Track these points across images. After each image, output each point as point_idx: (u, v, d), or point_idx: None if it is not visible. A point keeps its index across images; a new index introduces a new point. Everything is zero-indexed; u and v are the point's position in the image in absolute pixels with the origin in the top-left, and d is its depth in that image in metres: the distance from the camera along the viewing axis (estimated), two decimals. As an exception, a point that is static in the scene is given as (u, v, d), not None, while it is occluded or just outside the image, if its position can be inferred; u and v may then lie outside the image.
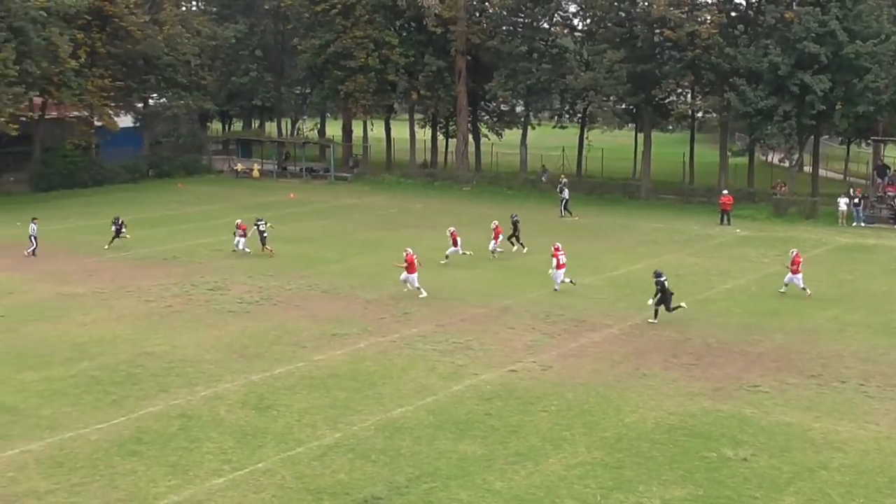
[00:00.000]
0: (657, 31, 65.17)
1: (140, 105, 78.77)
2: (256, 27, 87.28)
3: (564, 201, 59.64)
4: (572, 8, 73.99)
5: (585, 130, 76.70)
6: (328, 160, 79.68)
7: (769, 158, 79.18)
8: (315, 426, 24.36)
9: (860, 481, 21.21)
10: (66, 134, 71.21)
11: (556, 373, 28.71)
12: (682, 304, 34.06)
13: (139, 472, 21.31)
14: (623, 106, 69.97)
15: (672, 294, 33.73)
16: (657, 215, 60.19)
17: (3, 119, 61.20)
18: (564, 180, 63.64)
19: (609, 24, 66.76)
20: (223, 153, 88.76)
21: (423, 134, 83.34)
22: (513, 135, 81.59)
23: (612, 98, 67.85)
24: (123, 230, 47.50)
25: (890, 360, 29.98)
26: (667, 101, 70.18)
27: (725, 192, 58.94)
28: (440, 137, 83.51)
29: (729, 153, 69.28)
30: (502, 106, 78.87)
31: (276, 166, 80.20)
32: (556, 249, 38.92)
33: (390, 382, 27.62)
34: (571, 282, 38.61)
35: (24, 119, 66.46)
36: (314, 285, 39.36)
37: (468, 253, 43.54)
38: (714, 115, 68.72)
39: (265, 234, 45.57)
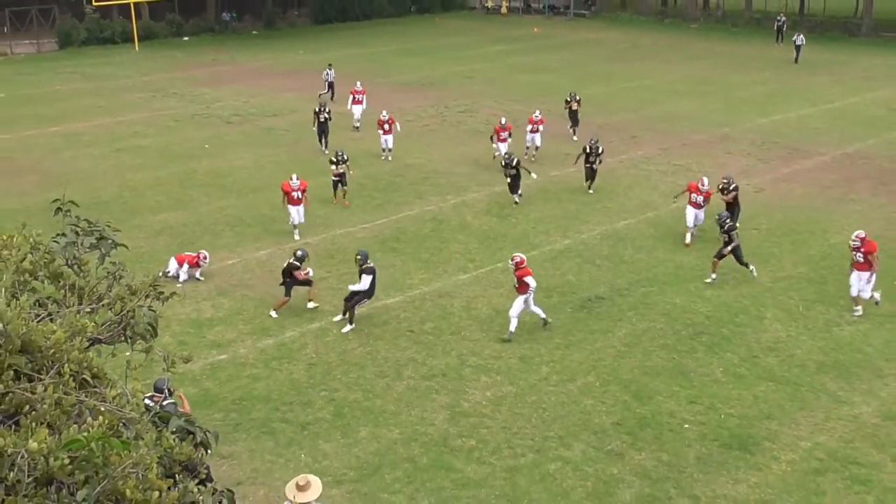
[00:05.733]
0: None
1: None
2: None
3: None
4: None
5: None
6: (569, -1, 77.40)
7: None
8: (548, 233, 24.43)
9: None
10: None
11: (768, 195, 27.60)
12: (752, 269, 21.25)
13: (397, 266, 22.01)
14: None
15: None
16: (877, 52, 55.81)
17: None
18: (783, 18, 59.69)
19: None
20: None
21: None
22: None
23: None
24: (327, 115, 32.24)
25: None
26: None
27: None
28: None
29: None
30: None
31: (522, 3, 78.59)
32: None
33: (616, 198, 27.27)
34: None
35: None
36: (552, 111, 38.83)
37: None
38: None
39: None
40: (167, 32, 61.38)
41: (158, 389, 11.98)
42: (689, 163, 30.82)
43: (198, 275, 21.23)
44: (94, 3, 56.04)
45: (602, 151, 27.33)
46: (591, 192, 27.53)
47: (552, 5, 77.34)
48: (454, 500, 13.25)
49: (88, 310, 6.20)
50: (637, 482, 13.66)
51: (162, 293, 6.69)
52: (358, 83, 36.11)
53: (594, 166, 27.29)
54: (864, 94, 42.72)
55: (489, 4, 77.97)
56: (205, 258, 21.27)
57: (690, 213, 23.55)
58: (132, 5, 56.63)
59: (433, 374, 16.89)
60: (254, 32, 65.04)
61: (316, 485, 10.75)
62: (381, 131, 31.01)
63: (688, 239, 23.47)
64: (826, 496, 13.38)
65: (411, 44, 59.39)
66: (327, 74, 41.84)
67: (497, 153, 29.91)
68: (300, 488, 10.66)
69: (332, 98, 40.64)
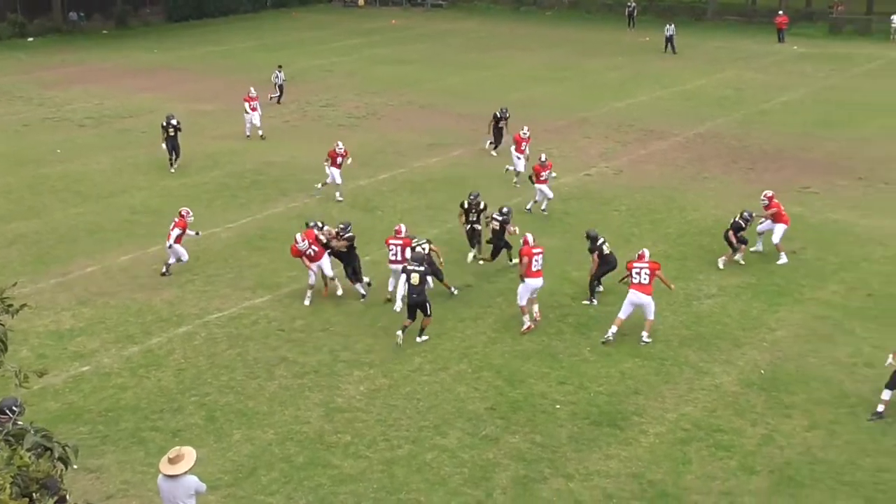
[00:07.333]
0: None
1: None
2: None
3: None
4: None
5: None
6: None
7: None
8: (416, 224, 24.45)
9: (899, 271, 20.79)
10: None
11: (626, 177, 28.33)
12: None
13: (263, 265, 21.72)
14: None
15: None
16: (721, 35, 57.92)
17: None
18: (633, 4, 61.44)
19: None
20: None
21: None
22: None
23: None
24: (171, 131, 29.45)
25: (932, 163, 28.93)
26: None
27: (780, 12, 56.74)
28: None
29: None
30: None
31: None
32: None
33: (480, 185, 27.42)
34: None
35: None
36: (413, 101, 39.02)
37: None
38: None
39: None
40: (10, 33, 58.92)
41: (2, 410, 11.19)
42: (550, 148, 31.27)
43: (193, 233, 21.77)
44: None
45: (485, 207, 21.76)
46: (511, 262, 21.26)
47: (410, -4, 77.45)
48: (332, 497, 13.18)
49: (-70, 328, 5.92)
50: (513, 465, 13.84)
51: (11, 306, 6.44)
52: (252, 89, 33.66)
53: (475, 226, 21.85)
54: (712, 75, 44.29)
55: (346, -3, 77.57)
56: (188, 213, 21.53)
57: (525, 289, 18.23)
58: (-29, 7, 54.29)
59: (305, 371, 16.74)
60: (104, 32, 63.04)
61: (189, 456, 10.95)
62: (328, 163, 26.46)
63: (526, 323, 18.29)
64: (693, 464, 13.82)
65: (268, 39, 58.61)
66: (276, 76, 39.08)
67: (511, 167, 28.12)
68: (171, 461, 10.91)
69: (279, 101, 38.18)
